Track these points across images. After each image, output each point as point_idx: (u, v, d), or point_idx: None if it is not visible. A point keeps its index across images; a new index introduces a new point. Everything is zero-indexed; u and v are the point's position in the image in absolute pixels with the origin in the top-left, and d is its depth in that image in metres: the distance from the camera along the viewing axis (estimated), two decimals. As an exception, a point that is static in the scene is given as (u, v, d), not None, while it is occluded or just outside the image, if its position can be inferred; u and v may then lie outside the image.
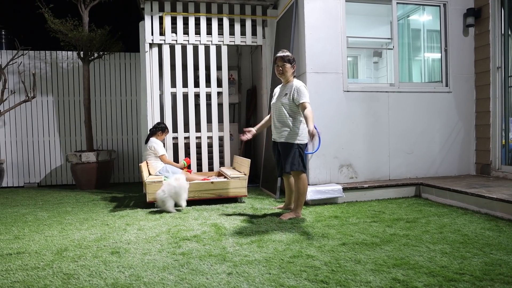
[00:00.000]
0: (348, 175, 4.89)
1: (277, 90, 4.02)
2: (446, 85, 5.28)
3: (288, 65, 3.80)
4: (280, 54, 3.85)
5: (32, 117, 6.83)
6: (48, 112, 6.88)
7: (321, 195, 4.43)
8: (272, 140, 4.02)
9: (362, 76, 7.28)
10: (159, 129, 5.12)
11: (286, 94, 3.80)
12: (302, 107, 3.67)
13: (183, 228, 3.54)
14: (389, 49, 5.29)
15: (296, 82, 3.80)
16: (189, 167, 5.39)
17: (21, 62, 6.63)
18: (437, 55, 5.46)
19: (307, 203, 4.44)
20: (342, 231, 3.34)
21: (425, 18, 5.76)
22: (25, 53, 6.63)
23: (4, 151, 6.73)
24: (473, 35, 5.33)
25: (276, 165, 4.06)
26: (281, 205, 4.29)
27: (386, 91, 5.04)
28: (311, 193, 4.41)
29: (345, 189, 4.56)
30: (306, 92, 3.74)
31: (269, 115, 4.18)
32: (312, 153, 4.69)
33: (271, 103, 4.04)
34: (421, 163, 5.16)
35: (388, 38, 5.21)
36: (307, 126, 3.55)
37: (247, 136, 4.00)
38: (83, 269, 2.55)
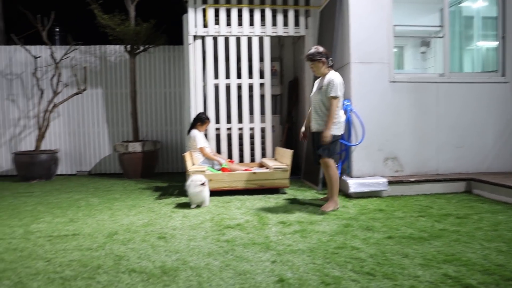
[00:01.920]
0: (393, 168, 4.74)
1: (316, 82, 4.05)
2: (503, 75, 4.94)
3: (315, 63, 3.82)
4: (307, 54, 3.89)
5: (84, 109, 7.19)
6: (98, 103, 7.21)
7: (364, 188, 4.34)
8: (311, 131, 4.06)
9: (408, 67, 7.00)
10: (198, 120, 5.19)
11: (321, 87, 3.84)
12: (329, 102, 3.74)
13: (226, 216, 3.59)
14: (439, 37, 5.03)
15: (331, 75, 3.81)
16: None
17: (74, 56, 6.98)
18: (493, 43, 5.13)
19: (350, 196, 4.36)
20: (388, 224, 3.25)
21: (479, 5, 5.43)
22: (77, 48, 6.96)
23: (59, 141, 7.14)
24: (534, 21, 4.95)
25: (313, 155, 4.08)
26: (324, 197, 4.24)
27: (435, 82, 4.81)
28: (355, 185, 4.32)
29: (390, 183, 4.42)
30: (339, 85, 3.75)
31: (310, 109, 4.16)
32: (356, 144, 4.59)
33: (311, 95, 4.08)
34: (472, 158, 4.89)
35: (438, 26, 4.96)
36: (326, 126, 3.72)
37: (304, 137, 4.25)
38: (132, 252, 2.66)
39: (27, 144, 7.07)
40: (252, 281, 2.13)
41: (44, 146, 6.92)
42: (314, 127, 3.94)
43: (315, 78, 4.17)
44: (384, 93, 4.68)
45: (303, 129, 4.24)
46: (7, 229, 3.31)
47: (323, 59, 3.80)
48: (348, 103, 4.59)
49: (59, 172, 6.97)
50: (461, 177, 4.62)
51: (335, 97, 3.71)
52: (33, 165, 6.15)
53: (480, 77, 4.97)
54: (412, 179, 4.52)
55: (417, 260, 2.43)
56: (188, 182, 4.04)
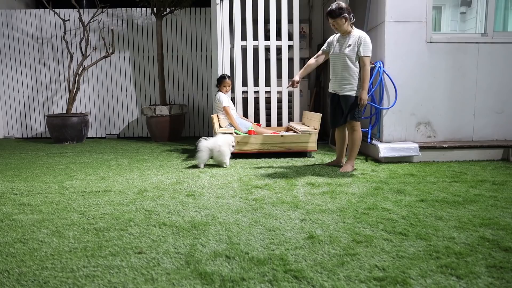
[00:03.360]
0: (426, 133, 4.57)
1: (333, 39, 3.87)
2: (551, 35, 4.58)
3: (337, 19, 3.63)
4: (328, 10, 3.68)
5: (112, 72, 7.24)
6: (125, 67, 7.24)
7: (395, 153, 4.21)
8: (331, 91, 3.91)
9: (446, 29, 6.60)
10: (217, 82, 5.18)
11: (350, 45, 3.67)
12: (363, 61, 3.63)
13: (253, 177, 3.59)
14: (483, -6, 4.68)
15: (359, 32, 3.69)
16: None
17: (101, 19, 6.96)
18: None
19: (380, 160, 4.26)
20: (419, 188, 3.16)
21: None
22: (104, 10, 6.93)
23: (88, 104, 7.28)
24: None
25: (330, 116, 3.98)
26: (331, 161, 4.19)
27: (477, 42, 4.51)
28: (385, 150, 4.21)
29: (421, 148, 4.28)
30: (370, 44, 3.66)
31: (314, 60, 3.97)
32: (388, 108, 4.43)
33: (330, 53, 3.86)
34: (512, 124, 4.65)
35: (483, -19, 4.60)
36: (362, 90, 3.64)
37: (296, 85, 3.98)
38: (162, 207, 2.70)
39: (59, 107, 7.25)
40: (282, 237, 2.12)
41: (75, 109, 7.07)
42: (339, 89, 3.78)
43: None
44: (420, 54, 4.45)
45: (296, 78, 3.94)
46: (43, 185, 3.43)
47: (346, 15, 3.61)
48: (380, 65, 4.39)
49: (89, 135, 7.14)
50: (499, 144, 4.40)
51: (369, 56, 3.62)
52: (65, 127, 6.30)
53: (526, 38, 4.62)
54: (446, 145, 4.35)
55: (452, 223, 2.35)
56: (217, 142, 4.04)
